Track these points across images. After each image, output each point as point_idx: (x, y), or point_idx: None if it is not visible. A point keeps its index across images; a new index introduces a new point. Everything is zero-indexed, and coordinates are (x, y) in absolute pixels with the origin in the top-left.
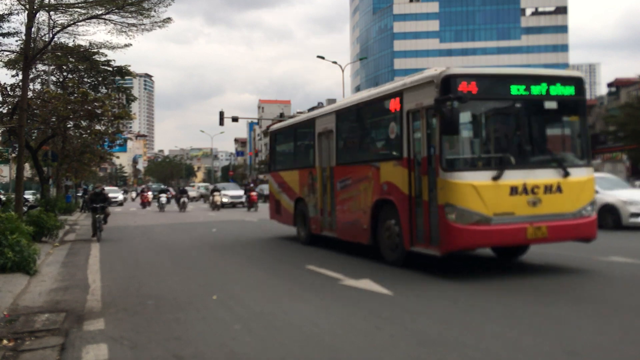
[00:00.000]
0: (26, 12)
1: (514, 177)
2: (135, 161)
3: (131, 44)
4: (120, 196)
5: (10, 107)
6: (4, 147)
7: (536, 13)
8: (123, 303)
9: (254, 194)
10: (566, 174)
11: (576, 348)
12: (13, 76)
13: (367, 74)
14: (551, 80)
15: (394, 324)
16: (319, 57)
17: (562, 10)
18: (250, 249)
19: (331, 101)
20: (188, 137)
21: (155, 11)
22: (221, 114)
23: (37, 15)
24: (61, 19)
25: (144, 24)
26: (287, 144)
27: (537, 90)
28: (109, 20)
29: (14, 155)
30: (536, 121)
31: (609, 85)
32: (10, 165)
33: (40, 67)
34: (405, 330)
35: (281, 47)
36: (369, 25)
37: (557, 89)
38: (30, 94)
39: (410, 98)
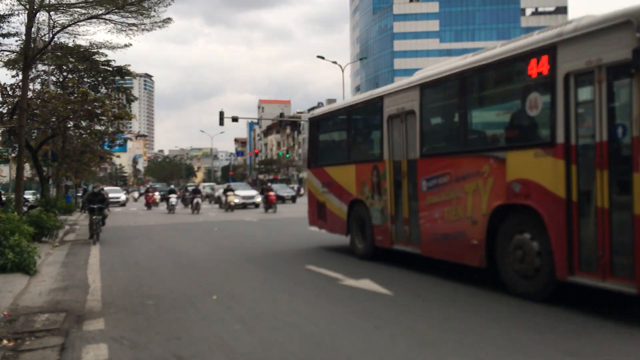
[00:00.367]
0: (26, 12)
1: None
2: (135, 161)
3: (131, 44)
4: (122, 196)
5: (10, 107)
6: (4, 147)
7: (536, 13)
8: (123, 303)
9: (272, 194)
10: None
11: (576, 348)
12: (13, 76)
13: (367, 74)
14: None
15: (394, 324)
16: (319, 57)
17: (562, 10)
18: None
19: (331, 101)
20: (188, 137)
21: (155, 11)
22: (221, 114)
23: (37, 15)
24: (61, 19)
25: (144, 24)
26: (336, 133)
27: None
28: (109, 20)
29: (14, 155)
30: None
31: None
32: (10, 165)
33: (40, 67)
34: (405, 330)
35: (281, 47)
36: (369, 25)
37: None
38: (30, 94)
39: (573, 54)
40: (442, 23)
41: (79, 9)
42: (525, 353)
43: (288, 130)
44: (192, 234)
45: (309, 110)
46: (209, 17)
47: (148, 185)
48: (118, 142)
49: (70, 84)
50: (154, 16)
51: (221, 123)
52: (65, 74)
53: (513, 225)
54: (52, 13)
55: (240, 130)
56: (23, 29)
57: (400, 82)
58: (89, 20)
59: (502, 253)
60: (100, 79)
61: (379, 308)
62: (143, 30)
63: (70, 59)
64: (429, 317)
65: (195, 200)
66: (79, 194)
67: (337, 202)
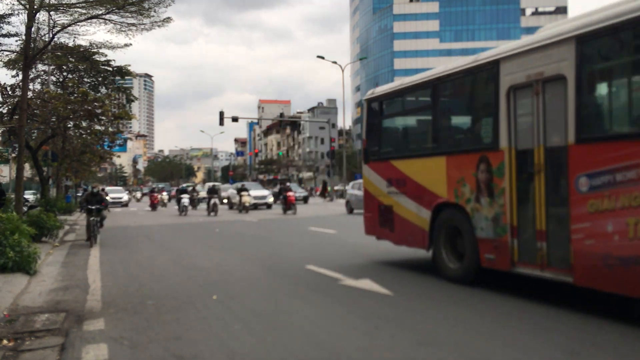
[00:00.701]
0: (26, 12)
1: None
2: (135, 161)
3: (131, 44)
4: (124, 197)
5: (10, 107)
6: (4, 147)
7: (536, 13)
8: (123, 303)
9: (291, 194)
10: None
11: (576, 348)
12: (13, 76)
13: (367, 74)
14: None
15: (394, 324)
16: (318, 57)
17: (562, 10)
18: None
19: (331, 101)
20: (188, 137)
21: (155, 11)
22: (221, 114)
23: (37, 15)
24: (61, 19)
25: (143, 24)
26: (413, 115)
27: None
28: (109, 20)
29: (14, 155)
30: None
31: None
32: (10, 165)
33: (40, 67)
34: (405, 330)
35: (281, 47)
36: (369, 25)
37: None
38: (30, 94)
39: None
40: (442, 23)
41: (79, 9)
42: (525, 353)
43: (288, 130)
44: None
45: (309, 110)
46: (208, 17)
47: (154, 185)
48: (118, 142)
49: (70, 84)
50: (153, 16)
51: (221, 123)
52: (65, 74)
53: None
54: (52, 13)
55: (240, 130)
56: (23, 29)
57: (532, 37)
58: (89, 20)
59: None
60: (100, 79)
61: (379, 308)
62: (143, 30)
63: (70, 59)
64: (429, 317)
65: (212, 201)
66: (79, 194)
67: (412, 205)
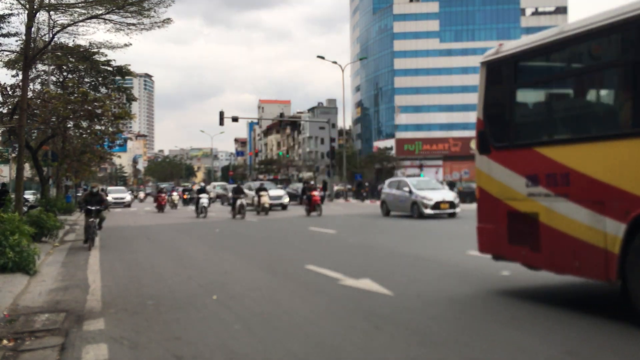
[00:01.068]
0: (26, 12)
1: None
2: (135, 161)
3: (131, 44)
4: (127, 197)
5: (10, 107)
6: (4, 147)
7: (536, 13)
8: (123, 303)
9: (316, 193)
10: None
11: (577, 348)
12: (13, 76)
13: (367, 74)
14: None
15: (394, 324)
16: (319, 57)
17: (562, 10)
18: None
19: (331, 101)
20: (188, 137)
21: (155, 11)
22: (221, 114)
23: (37, 15)
24: (61, 19)
25: (143, 24)
26: (578, 79)
27: None
28: (109, 20)
29: (14, 155)
30: None
31: None
32: (10, 165)
33: (40, 67)
34: (405, 330)
35: (281, 47)
36: (369, 25)
37: None
38: (30, 94)
39: None
40: (442, 23)
41: (78, 9)
42: (525, 352)
43: (288, 130)
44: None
45: (309, 110)
46: (208, 18)
47: (162, 185)
48: (118, 142)
49: (70, 84)
50: (153, 16)
51: (221, 123)
52: (65, 74)
53: None
54: (52, 13)
55: (240, 130)
56: (23, 29)
57: None
58: (88, 20)
59: None
60: (100, 78)
61: (379, 308)
62: (143, 29)
63: (70, 59)
64: (429, 317)
65: (239, 202)
66: (79, 194)
67: (582, 214)
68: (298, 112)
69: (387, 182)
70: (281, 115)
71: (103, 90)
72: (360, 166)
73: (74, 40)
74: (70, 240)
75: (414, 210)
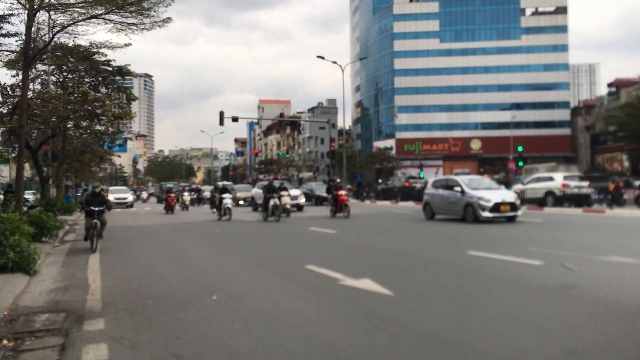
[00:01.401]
0: (26, 12)
1: None
2: (135, 161)
3: (131, 44)
4: (129, 197)
5: (10, 107)
6: (4, 147)
7: (536, 13)
8: (123, 303)
9: (343, 193)
10: None
11: (576, 348)
12: (13, 76)
13: (367, 74)
14: None
15: (394, 324)
16: (318, 57)
17: (562, 10)
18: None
19: (331, 101)
20: (188, 137)
21: (155, 11)
22: (221, 114)
23: (37, 15)
24: (61, 18)
25: (143, 24)
26: None
27: None
28: (109, 20)
29: (14, 155)
30: None
31: (609, 85)
32: (10, 165)
33: (40, 67)
34: (405, 330)
35: (280, 47)
36: (369, 25)
37: None
38: (30, 94)
39: None
40: (442, 23)
41: (78, 9)
42: (525, 353)
43: (288, 130)
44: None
45: (309, 110)
46: (208, 18)
47: (167, 185)
48: (118, 142)
49: (70, 84)
50: (153, 16)
51: (221, 123)
52: (65, 74)
53: None
54: (52, 13)
55: (240, 130)
56: (23, 29)
57: None
58: (88, 20)
59: None
60: (100, 78)
61: (379, 308)
62: (143, 29)
63: (70, 59)
64: (429, 317)
65: (272, 202)
66: (79, 194)
67: None
68: (298, 112)
69: (431, 180)
70: (281, 115)
71: (103, 90)
72: (360, 166)
73: (74, 40)
74: (70, 240)
75: (468, 213)
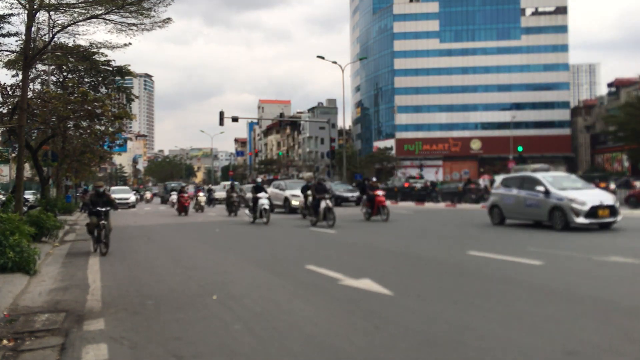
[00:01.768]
0: (26, 12)
1: None
2: (135, 161)
3: (131, 44)
4: (131, 197)
5: (10, 107)
6: (4, 147)
7: (536, 13)
8: (123, 303)
9: (380, 193)
10: None
11: (576, 348)
12: (13, 76)
13: (367, 74)
14: None
15: (394, 324)
16: (318, 57)
17: (562, 10)
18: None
19: (331, 101)
20: (188, 137)
21: (155, 11)
22: (221, 114)
23: (37, 15)
24: (61, 18)
25: (143, 24)
26: None
27: None
28: (109, 20)
29: (14, 155)
30: None
31: (609, 85)
32: (10, 165)
33: (40, 67)
34: (405, 330)
35: (280, 47)
36: (369, 25)
37: None
38: (30, 94)
39: None
40: (442, 23)
41: (78, 9)
42: (525, 353)
43: (288, 130)
44: None
45: (309, 110)
46: (208, 18)
47: (184, 185)
48: (118, 142)
49: (70, 84)
50: (153, 16)
51: (221, 123)
52: (65, 74)
53: None
54: (52, 13)
55: (240, 130)
56: (23, 29)
57: None
58: (88, 20)
59: None
60: (100, 78)
61: (379, 308)
62: (143, 30)
63: (70, 59)
64: (429, 317)
65: (324, 204)
66: (79, 194)
67: None
68: (298, 112)
69: (499, 178)
70: (281, 115)
71: (103, 90)
72: (360, 166)
73: (74, 40)
74: (70, 240)
75: (555, 218)
